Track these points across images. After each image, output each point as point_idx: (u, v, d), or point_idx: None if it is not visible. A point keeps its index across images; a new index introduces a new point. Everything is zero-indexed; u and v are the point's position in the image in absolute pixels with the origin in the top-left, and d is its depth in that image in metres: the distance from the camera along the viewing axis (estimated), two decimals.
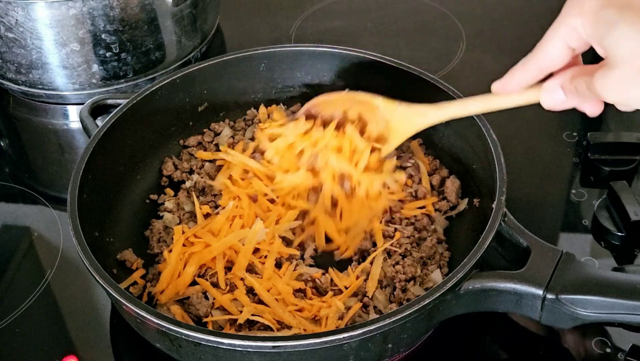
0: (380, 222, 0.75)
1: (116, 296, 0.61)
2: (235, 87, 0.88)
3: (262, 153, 0.79)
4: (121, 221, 0.78)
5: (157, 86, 0.82)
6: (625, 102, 0.53)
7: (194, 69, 0.85)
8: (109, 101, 0.82)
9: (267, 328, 0.66)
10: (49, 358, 0.69)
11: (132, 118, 0.79)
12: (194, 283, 0.71)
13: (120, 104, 0.80)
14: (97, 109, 0.81)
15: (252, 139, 0.87)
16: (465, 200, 0.78)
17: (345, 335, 0.57)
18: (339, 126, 0.75)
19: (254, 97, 0.90)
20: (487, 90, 0.61)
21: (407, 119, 0.71)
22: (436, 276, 0.71)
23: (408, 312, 0.58)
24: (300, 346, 0.57)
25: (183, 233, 0.75)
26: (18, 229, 0.84)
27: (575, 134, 0.91)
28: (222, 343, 0.57)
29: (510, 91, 0.61)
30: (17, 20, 0.88)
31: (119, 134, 0.78)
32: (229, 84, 0.88)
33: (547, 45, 0.56)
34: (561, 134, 0.92)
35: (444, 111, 0.69)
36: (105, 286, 0.61)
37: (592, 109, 0.59)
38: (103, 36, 0.91)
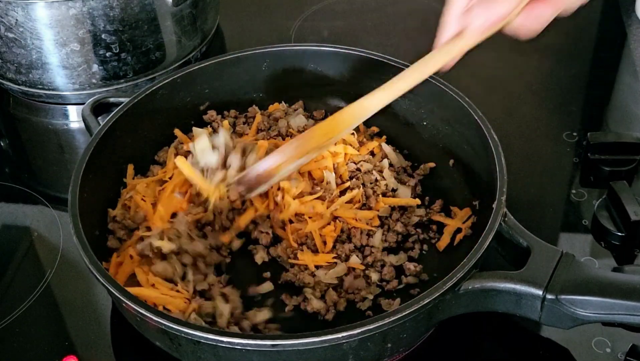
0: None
1: (116, 294, 0.61)
2: (236, 86, 0.88)
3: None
4: None
5: (159, 84, 0.82)
6: None
7: (195, 68, 0.85)
8: (111, 100, 0.82)
9: None
10: (49, 358, 0.69)
11: (133, 117, 0.79)
12: None
13: (122, 103, 0.80)
14: (99, 108, 0.81)
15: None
16: (472, 217, 0.76)
17: (345, 334, 0.57)
18: None
19: (255, 96, 0.90)
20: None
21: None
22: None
23: (407, 312, 0.58)
24: (300, 345, 0.57)
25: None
26: (18, 229, 0.84)
27: (575, 134, 0.91)
28: (222, 342, 0.57)
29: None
30: (17, 20, 0.88)
31: (119, 133, 0.78)
32: (231, 83, 0.88)
33: None
34: (561, 134, 0.92)
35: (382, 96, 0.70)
36: (105, 284, 0.62)
37: None
38: (103, 36, 0.91)
